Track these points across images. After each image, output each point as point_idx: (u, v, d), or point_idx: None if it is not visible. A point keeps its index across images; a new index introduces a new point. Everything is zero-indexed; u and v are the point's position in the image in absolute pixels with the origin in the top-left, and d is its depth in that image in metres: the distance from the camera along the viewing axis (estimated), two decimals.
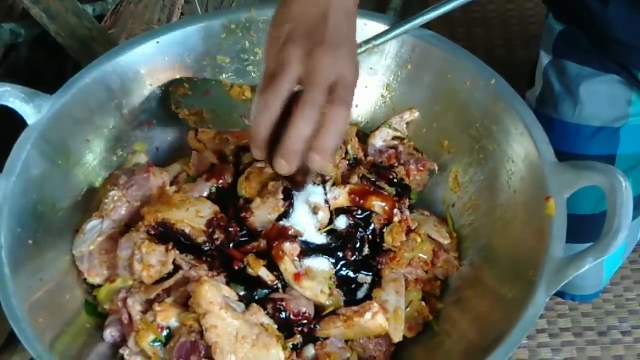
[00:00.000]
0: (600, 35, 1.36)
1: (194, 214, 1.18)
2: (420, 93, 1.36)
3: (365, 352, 1.14)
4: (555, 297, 1.65)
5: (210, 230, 1.17)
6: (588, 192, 1.10)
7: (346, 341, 1.14)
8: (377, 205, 1.21)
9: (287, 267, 1.13)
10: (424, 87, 1.35)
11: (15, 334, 1.30)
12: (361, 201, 1.21)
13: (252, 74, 1.42)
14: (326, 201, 1.19)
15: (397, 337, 1.12)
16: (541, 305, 1.02)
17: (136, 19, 1.94)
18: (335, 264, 1.17)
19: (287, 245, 1.13)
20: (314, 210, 1.18)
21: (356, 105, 1.42)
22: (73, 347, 1.12)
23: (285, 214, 1.17)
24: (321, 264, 1.16)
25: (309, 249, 1.16)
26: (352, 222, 1.20)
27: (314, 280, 1.13)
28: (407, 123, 1.37)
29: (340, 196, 1.21)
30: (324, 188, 1.20)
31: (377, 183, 1.25)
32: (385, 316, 1.11)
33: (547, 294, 1.03)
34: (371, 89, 1.41)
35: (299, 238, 1.16)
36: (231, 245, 1.18)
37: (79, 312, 1.18)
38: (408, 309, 1.17)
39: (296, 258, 1.14)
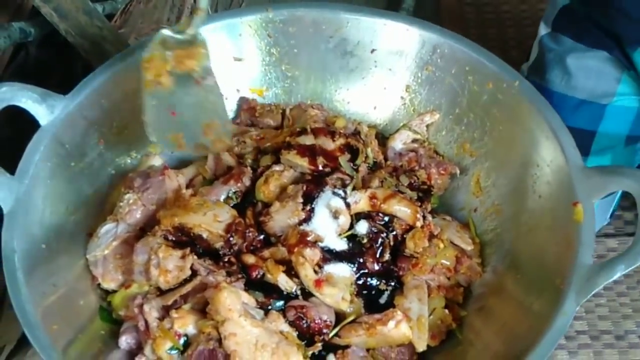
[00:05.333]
0: (604, 4, 1.34)
1: (212, 219, 1.15)
2: (441, 95, 1.34)
3: None
4: None
5: (229, 235, 1.14)
6: None
7: (367, 350, 1.11)
8: (399, 210, 1.18)
9: (308, 273, 1.10)
10: (445, 88, 1.33)
11: (25, 339, 1.30)
12: (382, 206, 1.17)
13: (268, 74, 1.40)
14: (347, 205, 1.16)
15: (421, 347, 1.10)
16: (571, 315, 1.00)
17: (145, 18, 1.92)
18: (356, 271, 1.14)
19: (307, 252, 1.10)
20: (335, 214, 1.15)
21: (374, 107, 1.40)
22: (87, 354, 1.09)
23: (305, 219, 1.14)
24: (342, 271, 1.13)
25: (329, 255, 1.13)
26: (373, 227, 1.17)
27: (335, 287, 1.10)
28: (428, 125, 1.35)
29: (361, 201, 1.17)
30: (345, 192, 1.17)
31: (398, 187, 1.22)
32: (409, 324, 1.09)
33: (577, 302, 1.00)
34: (390, 90, 1.38)
35: (319, 244, 1.13)
36: (249, 250, 1.15)
37: (94, 318, 1.15)
38: (431, 316, 1.14)
39: (316, 265, 1.11)
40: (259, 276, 1.13)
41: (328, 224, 1.14)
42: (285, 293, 1.12)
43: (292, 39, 1.36)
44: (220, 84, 1.36)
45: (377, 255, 1.16)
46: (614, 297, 1.67)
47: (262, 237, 1.17)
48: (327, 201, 1.15)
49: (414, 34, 1.31)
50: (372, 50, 1.35)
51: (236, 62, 1.37)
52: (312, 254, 1.11)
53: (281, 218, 1.15)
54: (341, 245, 1.15)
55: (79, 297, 1.15)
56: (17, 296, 1.03)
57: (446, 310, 1.16)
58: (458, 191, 1.32)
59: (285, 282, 1.11)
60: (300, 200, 1.15)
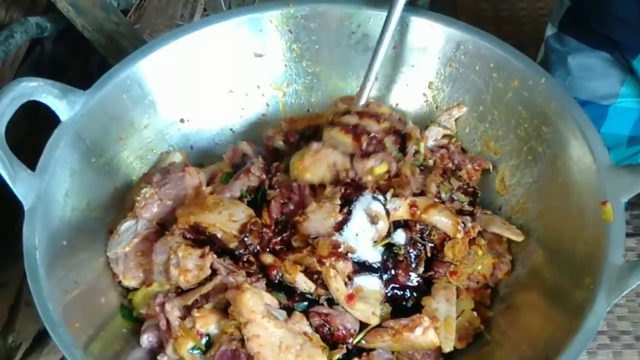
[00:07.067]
0: (603, 9, 1.35)
1: (227, 218, 1.12)
2: (465, 92, 1.32)
3: None
4: None
5: (243, 236, 1.11)
6: None
7: (392, 352, 1.09)
8: (439, 220, 1.13)
9: (339, 287, 1.06)
10: (469, 85, 1.31)
11: (41, 336, 1.29)
12: (422, 215, 1.12)
13: (289, 70, 1.38)
14: (387, 211, 1.11)
15: (448, 347, 1.08)
16: (602, 315, 0.98)
17: (159, 14, 1.91)
18: (386, 285, 1.10)
19: (340, 265, 1.06)
20: (374, 220, 1.10)
21: (396, 104, 1.38)
22: (109, 352, 1.08)
23: (342, 222, 1.09)
24: (372, 284, 1.09)
25: (360, 267, 1.09)
26: (410, 238, 1.13)
27: (367, 302, 1.06)
28: (456, 120, 1.33)
29: (401, 208, 1.12)
30: (385, 198, 1.12)
31: (453, 192, 1.19)
32: (436, 325, 1.07)
33: (608, 303, 0.99)
34: (413, 87, 1.37)
35: (351, 255, 1.08)
36: (267, 250, 1.12)
37: (115, 315, 1.14)
38: (459, 318, 1.12)
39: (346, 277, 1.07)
40: (278, 277, 1.10)
41: (365, 228, 1.10)
42: (312, 297, 1.10)
43: (314, 35, 1.35)
44: (241, 80, 1.37)
45: (410, 270, 1.12)
46: (633, 297, 1.66)
47: (279, 238, 1.13)
48: (367, 205, 1.10)
49: (438, 30, 1.30)
50: (395, 47, 1.33)
51: (257, 58, 1.36)
52: (344, 267, 1.07)
53: (317, 218, 1.10)
54: (375, 256, 1.10)
55: (100, 295, 1.14)
56: (38, 293, 1.01)
57: (474, 313, 1.14)
58: (482, 189, 1.29)
59: (303, 283, 1.09)
60: (338, 201, 1.10)
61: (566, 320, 1.01)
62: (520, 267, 1.19)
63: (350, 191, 1.12)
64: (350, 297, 1.06)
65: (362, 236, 1.09)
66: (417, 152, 1.22)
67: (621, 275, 0.99)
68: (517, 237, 1.19)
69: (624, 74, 1.40)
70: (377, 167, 1.13)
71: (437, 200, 1.16)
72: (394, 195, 1.13)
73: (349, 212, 1.10)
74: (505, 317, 1.14)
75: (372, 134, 1.15)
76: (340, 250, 1.07)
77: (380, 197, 1.12)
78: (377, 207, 1.11)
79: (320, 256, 1.07)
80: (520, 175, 1.25)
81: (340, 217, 1.09)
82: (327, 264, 1.06)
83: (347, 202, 1.11)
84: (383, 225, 1.10)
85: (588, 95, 1.41)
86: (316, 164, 1.15)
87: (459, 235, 1.13)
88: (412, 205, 1.13)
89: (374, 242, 1.10)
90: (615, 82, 1.41)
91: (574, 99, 1.19)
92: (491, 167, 1.28)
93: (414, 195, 1.15)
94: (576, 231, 1.10)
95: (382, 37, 1.21)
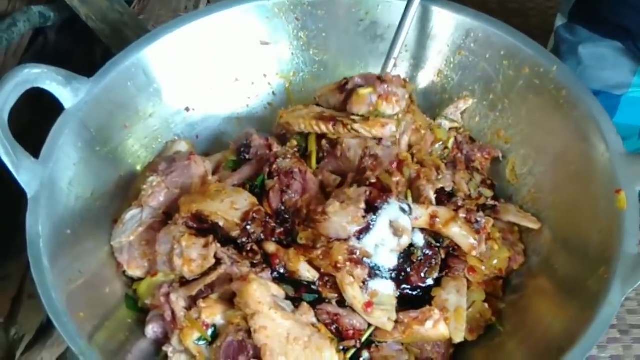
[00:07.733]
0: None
1: (228, 206, 1.09)
2: (475, 80, 1.30)
3: (423, 354, 1.08)
4: None
5: (245, 224, 1.08)
6: None
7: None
8: (458, 233, 1.09)
9: (357, 295, 1.03)
10: (479, 74, 1.29)
11: (43, 329, 1.27)
12: (442, 228, 1.09)
13: (296, 59, 1.36)
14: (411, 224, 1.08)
15: (458, 338, 1.06)
16: (617, 305, 0.96)
17: (163, 6, 1.89)
18: (397, 286, 1.07)
19: (357, 271, 1.03)
20: (398, 232, 1.05)
21: None
22: (113, 342, 1.06)
23: (364, 229, 1.04)
24: (386, 288, 1.06)
25: (375, 272, 1.06)
26: (428, 240, 1.10)
27: (384, 310, 1.04)
28: (462, 112, 1.31)
29: (422, 218, 1.09)
30: (409, 207, 1.08)
31: (479, 188, 1.19)
32: (446, 315, 1.05)
33: (623, 292, 0.97)
34: (421, 75, 1.35)
35: (367, 260, 1.04)
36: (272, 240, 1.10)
37: (119, 306, 1.12)
38: (470, 309, 1.09)
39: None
40: (280, 267, 1.07)
41: (386, 239, 1.05)
42: (316, 288, 1.07)
43: (321, 23, 1.33)
44: (247, 68, 1.35)
45: (425, 273, 1.09)
46: None
47: (282, 229, 1.10)
48: (394, 217, 1.05)
49: (447, 17, 1.28)
50: None
51: (263, 46, 1.34)
52: (361, 273, 1.04)
53: (339, 220, 1.04)
54: (391, 261, 1.07)
55: (104, 285, 1.12)
56: (42, 282, 0.99)
57: (485, 305, 1.12)
58: (492, 179, 1.27)
59: (306, 272, 1.06)
60: (363, 205, 1.05)
61: (580, 310, 0.99)
62: (533, 257, 1.17)
63: (375, 195, 1.06)
64: (368, 305, 1.03)
65: (382, 246, 1.06)
66: (445, 147, 1.22)
67: (636, 265, 0.98)
68: (534, 225, 1.17)
69: (636, 64, 1.39)
70: (362, 89, 1.08)
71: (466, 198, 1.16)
72: (416, 200, 1.11)
73: (373, 221, 1.05)
74: (517, 307, 1.12)
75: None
76: (356, 256, 1.03)
77: (406, 207, 1.07)
78: (404, 222, 1.06)
79: (335, 262, 1.03)
80: (531, 164, 1.23)
81: (364, 224, 1.04)
82: (344, 270, 1.02)
83: (372, 209, 1.05)
84: (406, 240, 1.06)
85: (600, 85, 1.40)
86: (300, 113, 1.15)
87: (474, 252, 1.10)
88: (434, 215, 1.09)
89: (391, 251, 1.06)
90: (627, 72, 1.40)
91: (585, 86, 1.17)
92: (500, 155, 1.26)
93: (443, 193, 1.13)
94: (589, 220, 1.09)
95: (404, 19, 1.22)
